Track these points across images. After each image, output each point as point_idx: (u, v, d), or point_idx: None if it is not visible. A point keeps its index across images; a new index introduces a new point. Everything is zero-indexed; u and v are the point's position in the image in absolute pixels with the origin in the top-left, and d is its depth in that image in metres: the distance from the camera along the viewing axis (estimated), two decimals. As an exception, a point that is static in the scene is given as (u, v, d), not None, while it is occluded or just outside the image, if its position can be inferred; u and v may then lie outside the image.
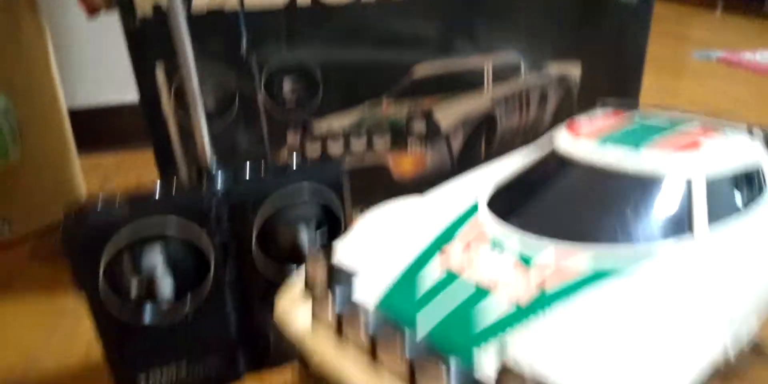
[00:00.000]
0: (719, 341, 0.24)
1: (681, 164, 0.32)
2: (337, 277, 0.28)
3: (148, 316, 0.38)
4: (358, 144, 0.57)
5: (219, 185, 0.39)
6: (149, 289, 0.37)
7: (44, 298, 0.55)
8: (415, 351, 0.23)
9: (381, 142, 0.58)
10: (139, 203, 0.36)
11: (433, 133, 0.59)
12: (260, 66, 0.50)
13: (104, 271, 0.36)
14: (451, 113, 0.60)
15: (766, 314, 0.30)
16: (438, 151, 0.60)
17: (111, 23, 0.51)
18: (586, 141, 0.35)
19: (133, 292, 0.37)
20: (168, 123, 0.50)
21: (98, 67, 0.90)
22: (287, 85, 0.52)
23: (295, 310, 0.31)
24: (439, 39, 0.56)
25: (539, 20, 0.58)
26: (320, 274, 0.29)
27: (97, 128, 0.90)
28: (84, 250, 0.35)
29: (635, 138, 0.35)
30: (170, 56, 0.49)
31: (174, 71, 0.48)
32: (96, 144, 0.89)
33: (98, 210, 0.35)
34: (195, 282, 0.39)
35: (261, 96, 0.51)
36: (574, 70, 0.62)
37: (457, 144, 0.61)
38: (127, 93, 0.85)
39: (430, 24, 0.55)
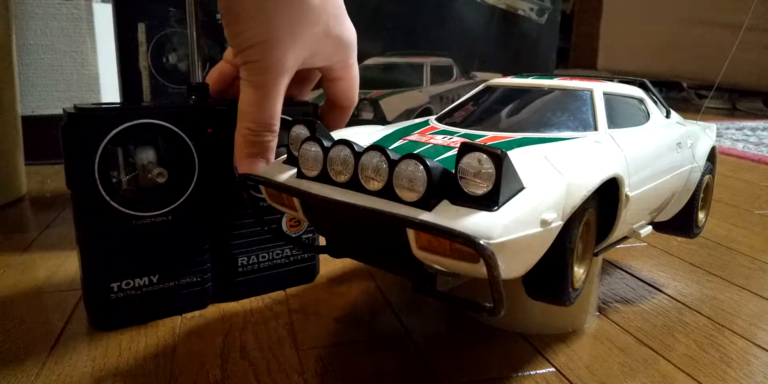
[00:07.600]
0: (608, 171, 0.32)
1: (584, 84, 0.41)
2: (319, 129, 0.33)
3: (135, 211, 0.39)
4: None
5: (207, 100, 0.43)
6: (139, 184, 0.39)
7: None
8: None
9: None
10: (136, 107, 0.39)
11: (379, 119, 0.67)
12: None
13: (98, 168, 0.37)
14: (395, 105, 0.68)
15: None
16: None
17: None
18: (512, 78, 0.44)
19: (125, 185, 0.38)
20: (141, 75, 0.54)
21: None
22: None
23: (278, 168, 0.35)
24: (387, 38, 0.66)
25: (468, 34, 0.70)
26: (303, 131, 0.33)
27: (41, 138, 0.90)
28: (82, 145, 0.37)
29: (546, 77, 0.44)
30: (151, 19, 0.55)
31: (154, 32, 0.53)
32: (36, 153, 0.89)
33: (99, 109, 0.37)
34: (180, 185, 0.41)
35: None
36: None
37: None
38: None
39: (381, 24, 0.66)
